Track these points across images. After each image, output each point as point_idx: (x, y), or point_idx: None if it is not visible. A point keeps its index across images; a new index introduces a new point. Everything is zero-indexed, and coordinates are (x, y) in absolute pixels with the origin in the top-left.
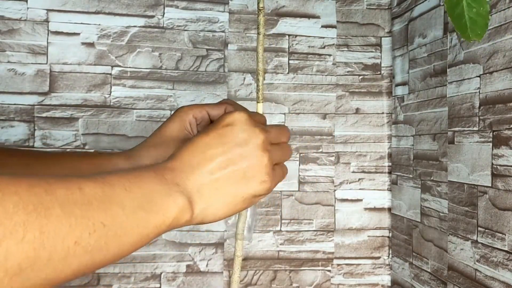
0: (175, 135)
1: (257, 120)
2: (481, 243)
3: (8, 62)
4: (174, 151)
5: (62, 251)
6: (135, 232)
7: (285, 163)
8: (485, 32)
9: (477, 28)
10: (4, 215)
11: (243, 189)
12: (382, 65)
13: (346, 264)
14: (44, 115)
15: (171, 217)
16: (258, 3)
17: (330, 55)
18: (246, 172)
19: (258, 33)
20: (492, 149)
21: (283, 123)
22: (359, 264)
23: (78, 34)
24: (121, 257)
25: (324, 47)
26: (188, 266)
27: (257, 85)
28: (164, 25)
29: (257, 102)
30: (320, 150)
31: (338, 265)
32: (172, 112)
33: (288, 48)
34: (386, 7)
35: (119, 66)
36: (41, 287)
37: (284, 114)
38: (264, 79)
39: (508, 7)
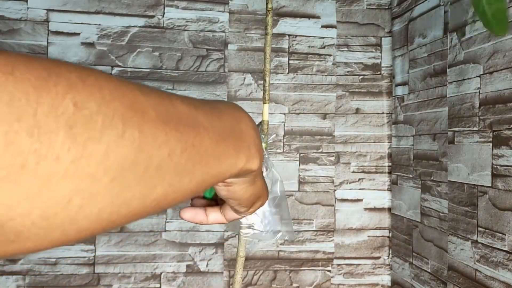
0: None
1: None
2: (481, 243)
3: None
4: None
5: (157, 161)
6: (213, 164)
7: (286, 162)
8: (506, 27)
9: (499, 23)
10: (101, 101)
11: None
12: (382, 65)
13: (346, 264)
14: None
15: (243, 162)
16: (266, 4)
17: (330, 55)
18: None
19: (266, 34)
20: (492, 149)
21: (283, 123)
22: (359, 264)
23: (78, 34)
24: (190, 195)
25: (324, 47)
26: (188, 266)
27: (264, 86)
28: (164, 25)
29: (263, 103)
30: (320, 150)
31: (338, 265)
32: None
33: (288, 48)
34: (386, 7)
35: (119, 66)
36: (130, 205)
37: (284, 114)
38: (270, 79)
39: (508, 7)
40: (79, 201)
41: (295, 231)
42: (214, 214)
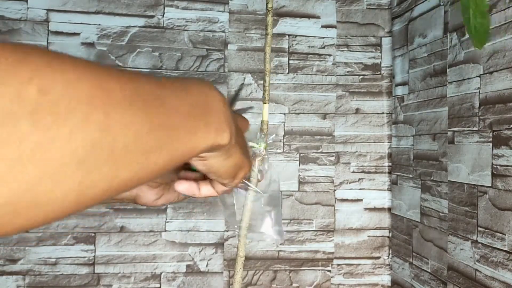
0: None
1: None
2: (481, 243)
3: None
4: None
5: (123, 142)
6: (183, 139)
7: (286, 162)
8: (485, 43)
9: (479, 37)
10: (67, 84)
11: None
12: (382, 65)
13: (346, 264)
14: None
15: (213, 136)
16: (267, 4)
17: (330, 55)
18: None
19: (266, 34)
20: (492, 149)
21: (283, 123)
22: (359, 264)
23: (78, 34)
24: (158, 173)
25: (324, 47)
26: (188, 266)
27: (264, 86)
28: (164, 25)
29: (263, 103)
30: (320, 150)
31: (338, 265)
32: None
33: (288, 48)
34: (386, 7)
35: (119, 66)
36: (98, 187)
37: (284, 114)
38: (270, 79)
39: (508, 7)
40: (45, 185)
41: (295, 231)
42: (206, 188)
